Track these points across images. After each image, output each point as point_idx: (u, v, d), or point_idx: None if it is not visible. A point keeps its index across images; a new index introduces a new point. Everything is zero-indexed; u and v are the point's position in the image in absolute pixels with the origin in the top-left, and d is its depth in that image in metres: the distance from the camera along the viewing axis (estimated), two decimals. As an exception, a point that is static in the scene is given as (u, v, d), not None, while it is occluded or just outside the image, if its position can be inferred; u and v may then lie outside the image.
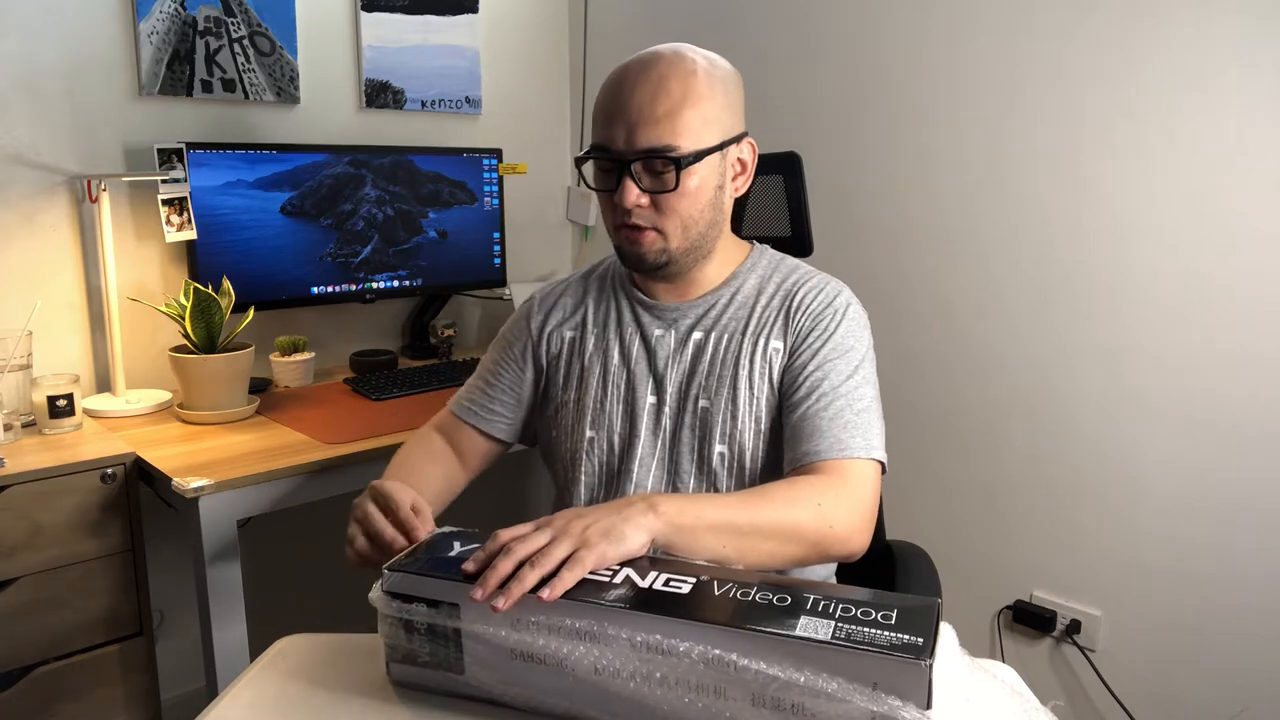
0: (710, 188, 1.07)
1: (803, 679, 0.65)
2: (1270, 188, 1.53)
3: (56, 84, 1.81)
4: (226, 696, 0.78)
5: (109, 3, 1.85)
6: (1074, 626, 1.83)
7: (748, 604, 0.70)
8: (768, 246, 1.22)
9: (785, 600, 0.70)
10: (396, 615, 0.76)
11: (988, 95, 1.84)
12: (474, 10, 2.42)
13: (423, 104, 2.35)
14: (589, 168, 1.10)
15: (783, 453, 1.07)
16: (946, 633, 0.70)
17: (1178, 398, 1.66)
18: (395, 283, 2.20)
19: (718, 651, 0.67)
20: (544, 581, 0.74)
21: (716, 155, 1.06)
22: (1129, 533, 1.75)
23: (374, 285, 2.17)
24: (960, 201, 1.90)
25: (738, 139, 1.09)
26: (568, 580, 0.74)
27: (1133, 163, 1.67)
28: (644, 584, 0.74)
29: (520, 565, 0.75)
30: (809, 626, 0.67)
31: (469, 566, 0.77)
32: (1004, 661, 1.76)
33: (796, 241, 1.50)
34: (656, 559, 0.81)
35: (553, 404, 1.20)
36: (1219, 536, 1.64)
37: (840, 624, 0.67)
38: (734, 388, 1.09)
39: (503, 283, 2.39)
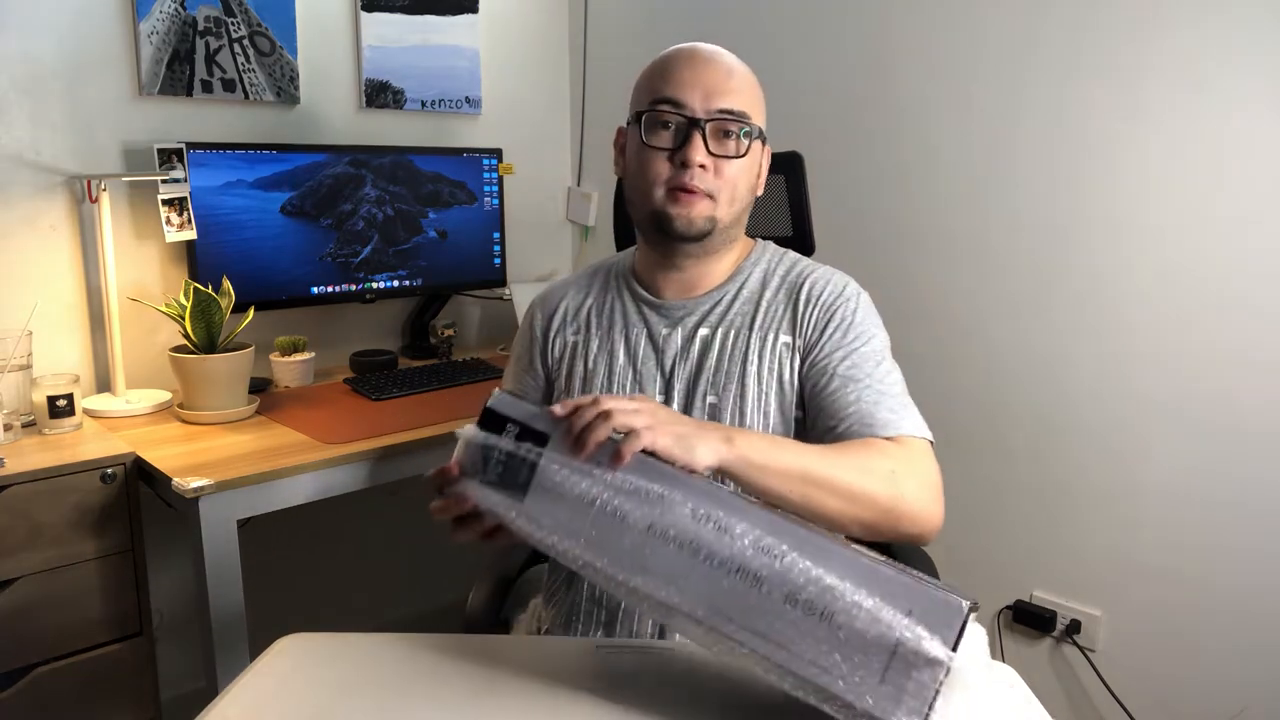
0: (755, 170, 1.12)
1: (843, 586, 0.67)
2: (1271, 187, 1.53)
3: (56, 84, 1.81)
4: (226, 696, 0.78)
5: (109, 3, 1.85)
6: (1074, 626, 1.83)
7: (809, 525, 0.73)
8: (770, 242, 1.21)
9: (839, 538, 0.73)
10: (483, 443, 0.80)
11: (989, 95, 1.84)
12: (474, 10, 2.42)
13: (423, 104, 2.35)
14: (644, 122, 1.07)
15: None
16: (977, 633, 0.71)
17: (1178, 397, 1.66)
18: (395, 283, 2.20)
19: (771, 540, 0.70)
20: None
21: (759, 143, 1.11)
22: (1129, 533, 1.75)
23: (374, 285, 2.16)
24: (962, 201, 1.90)
25: (765, 139, 1.13)
26: (624, 451, 0.78)
27: (1134, 163, 1.67)
28: (718, 483, 0.78)
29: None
30: (864, 552, 0.70)
31: (558, 409, 0.81)
32: (1004, 661, 1.76)
33: (799, 241, 1.51)
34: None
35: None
36: (1219, 537, 1.64)
37: (892, 562, 0.69)
38: (742, 383, 1.09)
39: (503, 283, 2.39)
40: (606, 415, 0.79)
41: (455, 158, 2.27)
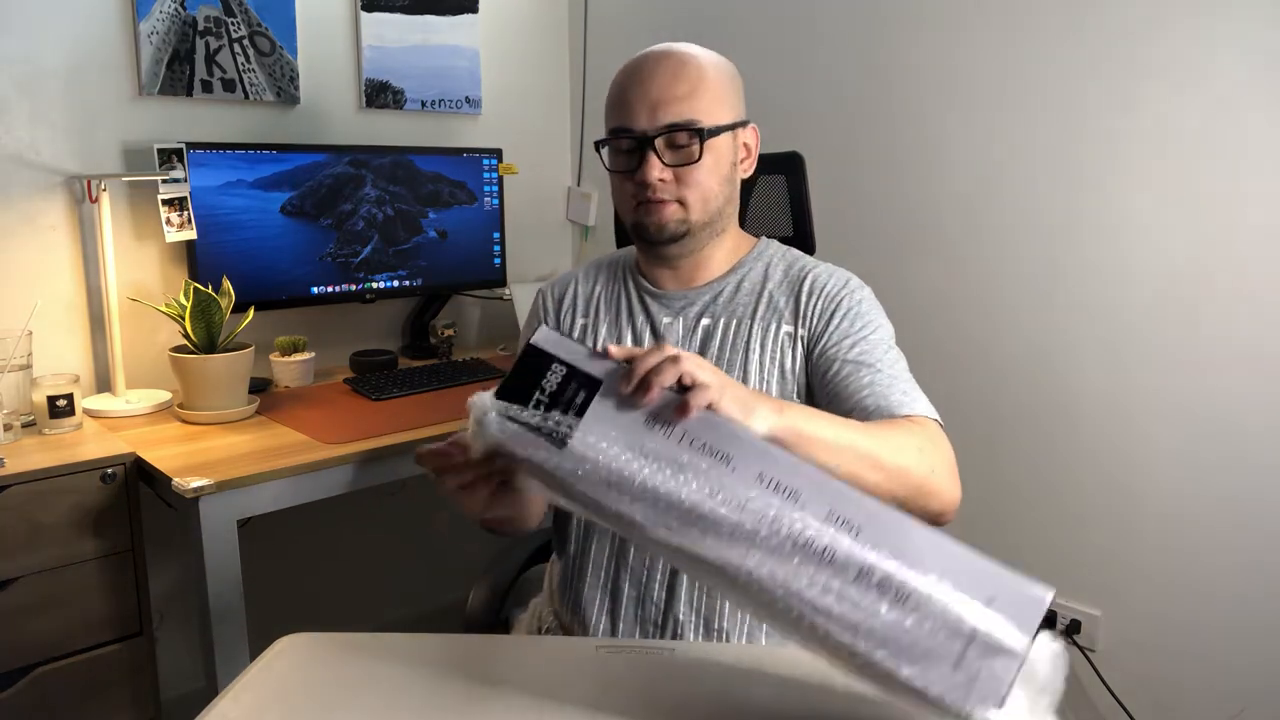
0: (726, 164, 1.12)
1: (921, 567, 0.63)
2: (1272, 185, 1.53)
3: (56, 84, 1.81)
4: (226, 696, 0.78)
5: (109, 3, 1.85)
6: (1074, 626, 1.82)
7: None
8: (774, 240, 1.24)
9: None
10: (525, 383, 0.73)
11: (990, 94, 1.84)
12: (474, 10, 2.42)
13: (423, 104, 2.35)
14: (606, 152, 1.15)
15: None
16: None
17: (1178, 398, 1.66)
18: (395, 283, 2.19)
19: (844, 512, 0.66)
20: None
21: (729, 134, 1.11)
22: (1129, 533, 1.75)
23: (374, 285, 2.16)
24: (962, 201, 1.90)
25: (744, 124, 1.14)
26: (692, 403, 0.72)
27: (1134, 162, 1.67)
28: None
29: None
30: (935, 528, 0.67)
31: (614, 350, 0.76)
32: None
33: (800, 240, 1.51)
34: None
35: None
36: (1219, 537, 1.64)
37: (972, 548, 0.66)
38: (744, 371, 1.11)
39: (503, 283, 2.39)
40: (674, 361, 0.74)
41: (455, 158, 2.27)
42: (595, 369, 0.73)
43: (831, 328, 1.10)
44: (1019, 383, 1.86)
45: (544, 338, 0.75)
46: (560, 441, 0.71)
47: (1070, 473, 1.81)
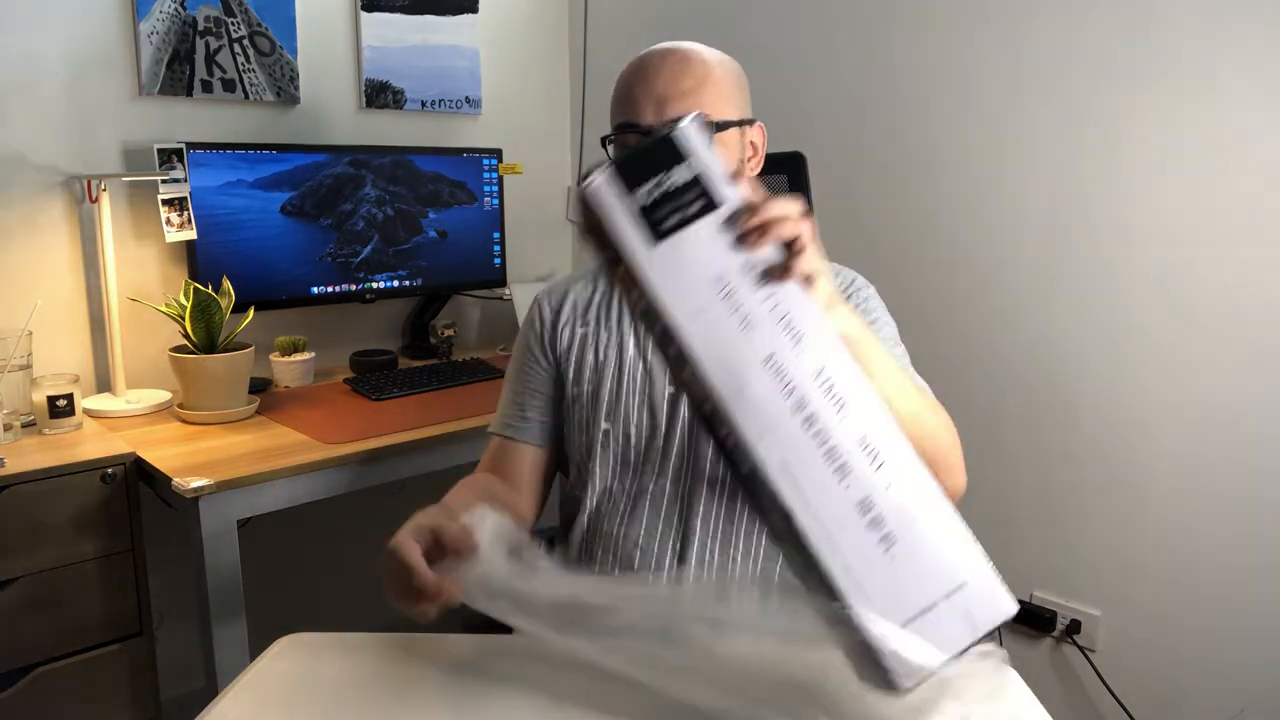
0: (733, 160, 1.11)
1: (919, 523, 0.66)
2: (1274, 185, 1.53)
3: (56, 84, 1.81)
4: (226, 696, 0.78)
5: (109, 3, 1.85)
6: (1074, 626, 1.82)
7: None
8: None
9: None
10: (649, 161, 0.69)
11: (992, 95, 1.84)
12: (474, 10, 2.42)
13: (423, 104, 2.35)
14: (612, 148, 1.13)
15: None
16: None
17: (1178, 397, 1.66)
18: (395, 283, 2.19)
19: (877, 442, 0.67)
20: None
21: (736, 131, 1.11)
22: (1129, 533, 1.75)
23: (374, 285, 2.16)
24: (964, 201, 1.90)
25: (750, 122, 1.14)
26: (796, 267, 0.71)
27: (1136, 162, 1.67)
28: None
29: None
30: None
31: (748, 190, 0.71)
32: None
33: None
34: None
35: (565, 399, 1.19)
36: (1219, 537, 1.64)
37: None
38: None
39: (503, 283, 2.38)
40: (798, 221, 0.71)
41: (455, 158, 2.27)
42: (721, 189, 0.69)
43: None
44: (1019, 382, 1.86)
45: (691, 133, 0.69)
46: (659, 236, 0.68)
47: (1070, 473, 1.81)
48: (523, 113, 2.57)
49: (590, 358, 1.16)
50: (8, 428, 1.58)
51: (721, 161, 0.70)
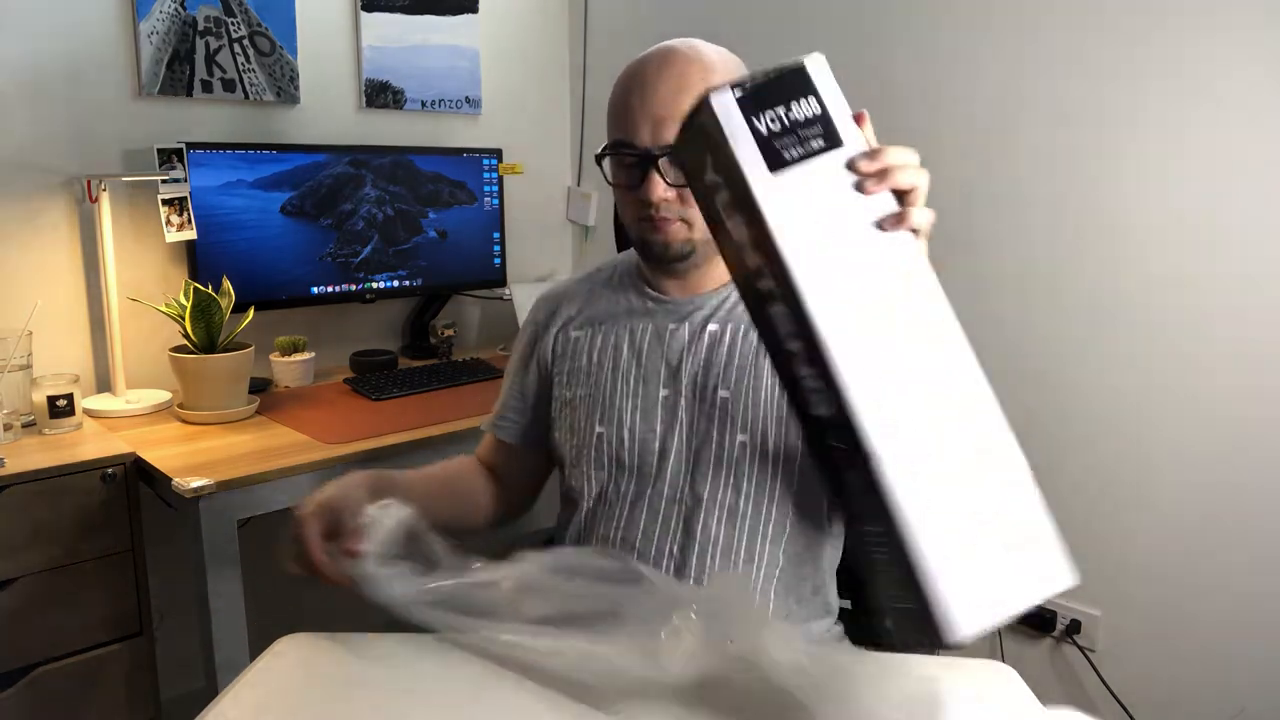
0: None
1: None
2: (1276, 186, 1.53)
3: (56, 84, 1.81)
4: (226, 696, 0.78)
5: (109, 3, 1.85)
6: (1074, 626, 1.82)
7: None
8: None
9: None
10: (775, 92, 0.67)
11: (993, 97, 1.84)
12: (474, 10, 2.42)
13: (423, 104, 2.35)
14: (607, 163, 1.11)
15: (802, 439, 1.07)
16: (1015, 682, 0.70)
17: (1179, 398, 1.66)
18: (395, 283, 2.19)
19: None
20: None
21: None
22: (1129, 533, 1.75)
23: (374, 285, 2.16)
24: (965, 203, 1.90)
25: None
26: (910, 217, 0.72)
27: (1137, 162, 1.67)
28: None
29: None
30: None
31: (866, 125, 0.72)
32: (1004, 661, 1.76)
33: None
34: None
35: (558, 402, 1.19)
36: (1219, 537, 1.64)
37: None
38: (755, 377, 1.08)
39: (503, 283, 2.39)
40: (920, 172, 0.73)
41: (455, 158, 2.27)
42: (846, 129, 0.67)
43: None
44: (1019, 382, 1.86)
45: (819, 67, 0.67)
46: (779, 165, 0.65)
47: (1070, 473, 1.81)
48: (523, 113, 2.57)
49: (584, 361, 1.16)
50: (8, 428, 1.58)
51: (844, 103, 0.68)
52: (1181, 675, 1.71)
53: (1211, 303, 1.61)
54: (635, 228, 1.10)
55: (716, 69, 1.07)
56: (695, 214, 1.06)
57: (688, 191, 1.04)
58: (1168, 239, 1.65)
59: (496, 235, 2.35)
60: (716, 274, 1.15)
